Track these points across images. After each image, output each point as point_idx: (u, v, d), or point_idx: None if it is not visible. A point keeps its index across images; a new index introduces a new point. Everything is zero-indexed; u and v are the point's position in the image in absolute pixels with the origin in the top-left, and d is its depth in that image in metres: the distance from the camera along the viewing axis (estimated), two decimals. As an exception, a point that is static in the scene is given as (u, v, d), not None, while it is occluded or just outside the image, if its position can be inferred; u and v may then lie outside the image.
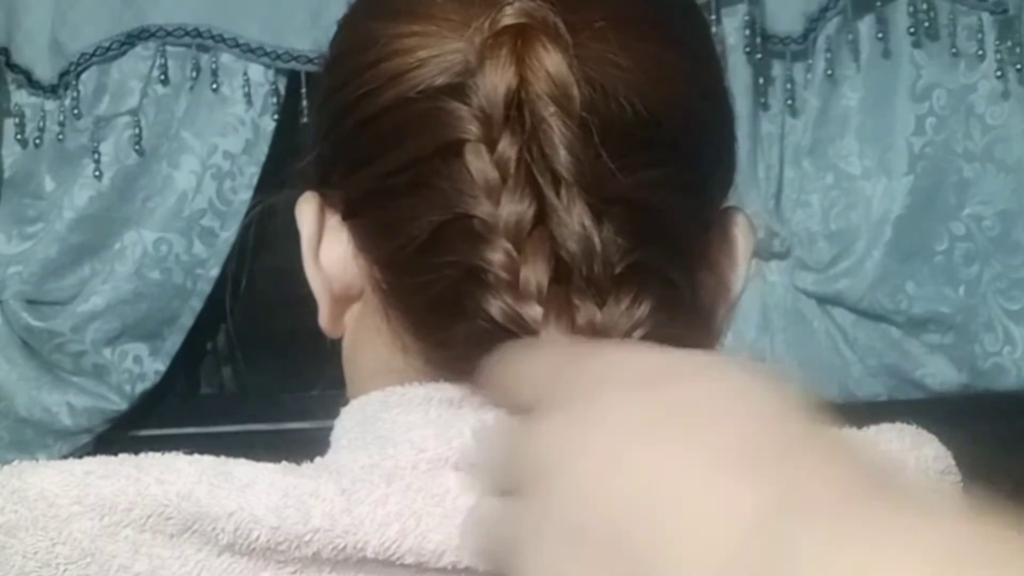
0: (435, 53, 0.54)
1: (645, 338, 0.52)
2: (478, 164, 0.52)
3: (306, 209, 0.60)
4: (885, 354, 1.94)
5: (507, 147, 0.52)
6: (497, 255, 0.51)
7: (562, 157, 0.51)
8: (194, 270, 1.94)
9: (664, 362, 0.44)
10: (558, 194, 0.51)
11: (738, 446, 0.37)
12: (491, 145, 0.52)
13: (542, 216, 0.51)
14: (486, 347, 0.51)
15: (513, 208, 0.51)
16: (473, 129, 0.52)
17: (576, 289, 0.51)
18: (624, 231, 0.53)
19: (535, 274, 0.51)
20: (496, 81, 0.52)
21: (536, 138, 0.52)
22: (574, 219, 0.51)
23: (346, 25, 0.60)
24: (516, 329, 0.51)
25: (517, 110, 0.52)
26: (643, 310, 0.52)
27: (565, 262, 0.51)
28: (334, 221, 0.59)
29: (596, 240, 0.52)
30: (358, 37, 0.57)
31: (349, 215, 0.58)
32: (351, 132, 0.56)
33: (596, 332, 0.51)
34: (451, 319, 0.53)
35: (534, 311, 0.51)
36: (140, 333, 1.95)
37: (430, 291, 0.54)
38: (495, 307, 0.51)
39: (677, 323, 0.54)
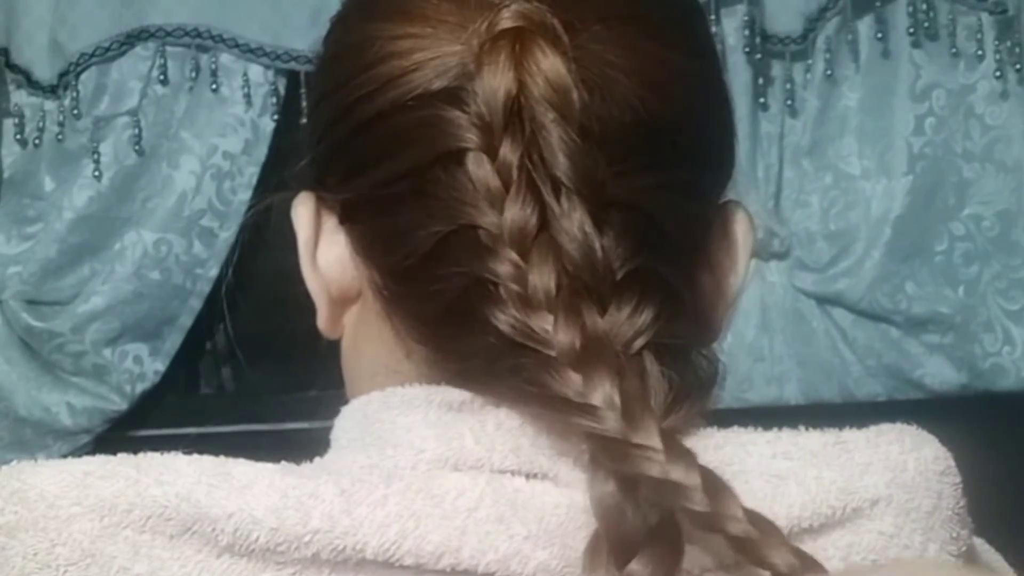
0: (431, 56, 0.53)
1: (647, 345, 0.52)
2: (480, 173, 0.52)
3: (302, 211, 0.59)
4: (885, 354, 1.94)
5: (508, 154, 0.51)
6: (504, 267, 0.51)
7: (562, 163, 0.51)
8: (194, 270, 1.94)
9: None
10: (558, 201, 0.51)
11: None
12: (492, 153, 0.52)
13: (544, 223, 0.51)
14: (497, 359, 0.51)
15: (517, 216, 0.51)
16: (473, 137, 0.52)
17: (579, 296, 0.51)
18: (625, 236, 0.53)
19: (542, 281, 0.51)
20: (495, 87, 0.51)
21: (536, 144, 0.51)
22: (575, 225, 0.51)
23: (339, 25, 0.59)
24: (526, 341, 0.51)
25: (516, 116, 0.51)
26: (645, 317, 0.52)
27: (568, 269, 0.51)
28: (331, 224, 0.59)
29: (597, 246, 0.51)
30: (352, 38, 0.57)
31: (347, 219, 0.58)
32: (347, 136, 0.56)
33: (599, 340, 0.50)
34: (460, 331, 0.53)
35: (544, 321, 0.50)
36: (140, 333, 1.95)
37: (436, 301, 0.54)
38: (504, 322, 0.51)
39: (679, 327, 0.54)
